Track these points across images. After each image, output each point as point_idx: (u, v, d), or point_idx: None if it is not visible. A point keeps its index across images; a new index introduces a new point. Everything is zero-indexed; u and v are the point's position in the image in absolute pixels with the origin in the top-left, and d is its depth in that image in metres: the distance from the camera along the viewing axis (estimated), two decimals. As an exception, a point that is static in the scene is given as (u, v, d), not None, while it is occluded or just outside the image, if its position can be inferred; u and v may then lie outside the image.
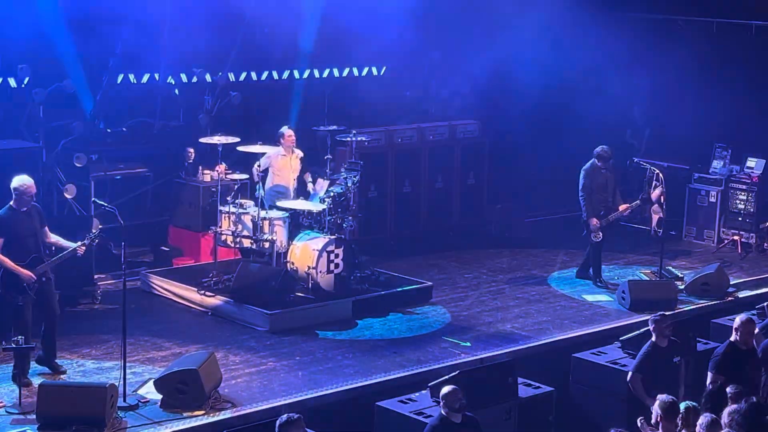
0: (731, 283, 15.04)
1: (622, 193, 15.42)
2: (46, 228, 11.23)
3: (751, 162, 17.38)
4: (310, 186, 14.71)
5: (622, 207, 15.03)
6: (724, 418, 8.65)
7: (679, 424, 8.73)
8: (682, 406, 8.84)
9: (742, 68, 18.17)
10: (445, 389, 9.37)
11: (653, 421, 8.84)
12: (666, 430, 8.71)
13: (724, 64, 18.15)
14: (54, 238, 11.25)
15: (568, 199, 16.57)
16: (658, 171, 16.13)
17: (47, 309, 11.14)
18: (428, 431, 9.29)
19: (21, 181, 11.07)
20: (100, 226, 14.01)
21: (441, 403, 9.35)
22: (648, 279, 15.31)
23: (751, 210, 17.19)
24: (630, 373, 10.78)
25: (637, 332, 12.01)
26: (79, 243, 11.15)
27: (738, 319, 10.42)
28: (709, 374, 10.17)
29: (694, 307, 14.29)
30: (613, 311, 14.10)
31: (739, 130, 17.73)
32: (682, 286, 14.80)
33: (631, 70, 18.36)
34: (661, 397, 8.85)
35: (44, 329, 11.19)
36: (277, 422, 8.40)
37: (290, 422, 8.38)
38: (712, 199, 17.53)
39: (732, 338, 10.35)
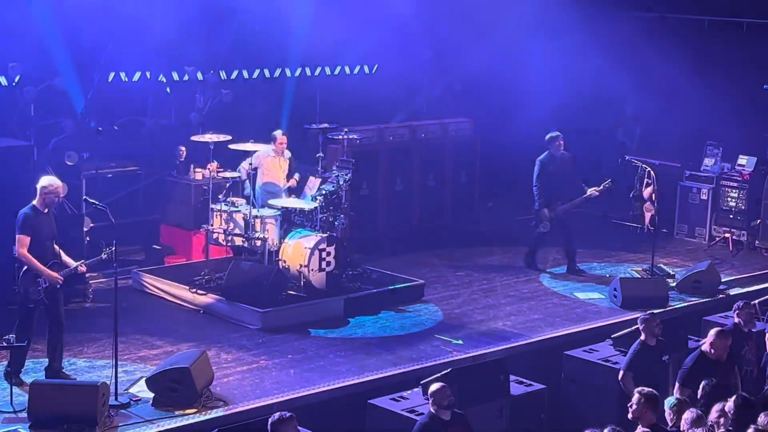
0: (722, 280, 15.08)
1: (609, 190, 15.46)
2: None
3: (742, 160, 17.42)
4: (292, 182, 14.69)
5: (590, 191, 15.14)
6: (713, 415, 8.67)
7: (670, 419, 8.77)
8: (672, 400, 8.87)
9: (733, 66, 18.20)
10: (433, 387, 9.38)
11: (631, 415, 8.85)
12: (647, 422, 8.72)
13: (716, 61, 18.18)
14: (56, 248, 11.11)
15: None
16: (649, 169, 16.19)
17: (54, 316, 11.00)
18: (418, 429, 9.30)
19: (50, 181, 10.97)
20: (91, 224, 14.09)
21: (430, 401, 9.37)
22: (639, 277, 15.34)
23: (743, 207, 17.22)
24: (621, 372, 10.82)
25: (629, 330, 12.03)
26: (81, 262, 11.08)
27: (712, 332, 10.33)
28: (677, 385, 10.10)
29: (685, 304, 14.32)
30: (604, 309, 14.13)
31: (730, 127, 17.76)
32: (674, 284, 14.83)
33: (622, 68, 18.38)
34: (640, 389, 8.89)
35: (49, 338, 11.04)
36: (270, 420, 8.40)
37: (282, 420, 8.38)
38: (704, 197, 17.56)
39: (704, 348, 10.29)
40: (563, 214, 15.29)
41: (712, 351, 10.22)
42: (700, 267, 15.03)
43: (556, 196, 15.19)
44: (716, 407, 8.73)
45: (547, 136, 15.36)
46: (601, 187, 15.34)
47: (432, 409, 9.32)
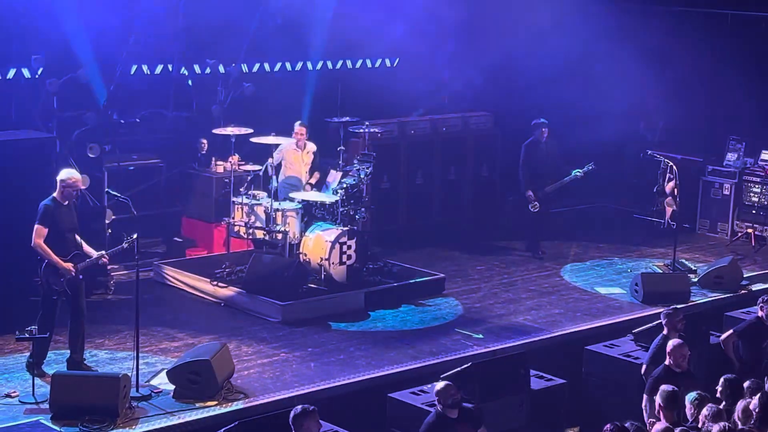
0: (744, 276, 15.01)
1: (630, 184, 15.51)
2: None
3: (766, 155, 17.30)
4: (313, 179, 14.72)
5: (575, 173, 15.70)
6: (738, 412, 8.65)
7: (691, 413, 8.76)
8: (694, 395, 8.84)
9: (756, 60, 18.09)
10: (438, 386, 9.35)
11: (655, 411, 8.86)
12: (667, 419, 8.72)
13: (739, 56, 18.08)
14: (78, 239, 11.13)
15: (581, 192, 16.53)
16: (671, 163, 16.11)
17: (75, 307, 11.04)
18: (425, 428, 9.25)
19: (70, 174, 10.99)
20: (113, 217, 14.14)
21: (436, 400, 9.33)
22: (661, 272, 15.29)
23: (765, 203, 17.11)
24: (644, 367, 10.81)
25: (650, 325, 12.01)
26: (102, 253, 11.11)
27: (671, 343, 10.27)
28: (645, 397, 10.07)
29: (707, 300, 14.26)
30: (625, 304, 14.09)
31: (753, 122, 17.68)
32: (696, 279, 14.77)
33: (645, 62, 18.29)
34: (663, 387, 8.87)
35: (71, 329, 11.10)
36: (292, 413, 8.40)
37: (305, 414, 8.37)
38: (726, 192, 17.48)
39: (666, 362, 10.21)
40: (549, 194, 15.86)
41: (673, 362, 10.14)
42: (722, 262, 14.97)
43: (541, 179, 15.71)
44: (741, 404, 8.72)
45: (533, 122, 15.88)
46: (585, 169, 15.79)
47: (438, 408, 9.30)
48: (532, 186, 15.71)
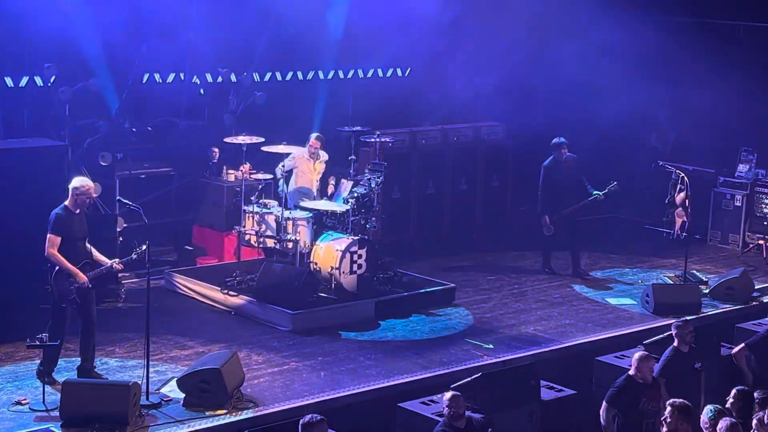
0: (756, 287, 14.97)
1: (641, 195, 15.40)
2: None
3: (777, 166, 17.31)
4: (330, 188, 14.75)
5: (595, 194, 15.30)
6: (754, 423, 8.62)
7: (706, 427, 8.72)
8: (711, 409, 8.80)
9: (768, 72, 18.09)
10: (447, 396, 9.34)
11: (665, 428, 8.81)
12: None
13: (751, 67, 18.05)
14: (88, 247, 11.16)
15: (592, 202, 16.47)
16: (683, 174, 16.08)
17: (86, 316, 11.06)
18: None
19: (82, 182, 11.00)
20: (124, 224, 14.17)
21: (444, 410, 9.31)
22: (672, 283, 15.26)
23: (777, 214, 17.10)
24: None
25: (660, 336, 11.98)
26: (115, 260, 11.15)
27: (637, 356, 10.27)
28: (604, 404, 10.14)
29: (718, 311, 14.23)
30: (636, 315, 14.07)
31: (765, 133, 17.64)
32: (707, 291, 14.74)
33: (656, 73, 18.29)
34: (676, 401, 8.85)
35: (81, 337, 11.11)
36: (300, 422, 8.41)
37: (313, 423, 8.38)
38: (738, 203, 17.45)
39: (630, 372, 10.24)
40: (569, 217, 15.48)
41: (638, 374, 10.16)
42: (733, 274, 14.93)
43: (560, 201, 15.38)
44: (757, 416, 8.69)
45: (553, 142, 15.54)
46: (606, 190, 15.44)
47: (447, 418, 9.28)
48: (550, 209, 15.36)
